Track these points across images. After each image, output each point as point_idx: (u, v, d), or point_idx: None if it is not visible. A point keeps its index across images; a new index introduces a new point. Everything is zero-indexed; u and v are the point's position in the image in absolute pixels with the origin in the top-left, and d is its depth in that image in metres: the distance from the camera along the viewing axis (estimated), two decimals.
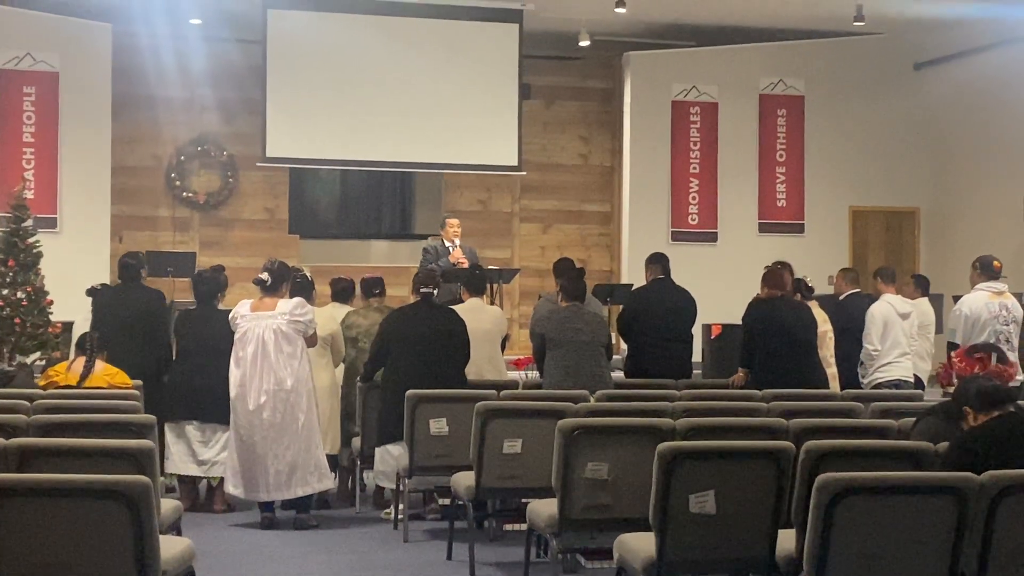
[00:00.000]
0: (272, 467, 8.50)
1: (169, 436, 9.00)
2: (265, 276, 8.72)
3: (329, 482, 8.91)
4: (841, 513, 4.39)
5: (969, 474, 4.45)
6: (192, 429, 9.08)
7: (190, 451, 9.07)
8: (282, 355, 8.53)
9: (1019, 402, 5.47)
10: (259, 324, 8.56)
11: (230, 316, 8.72)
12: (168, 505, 5.98)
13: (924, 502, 4.47)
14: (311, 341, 8.76)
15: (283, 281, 8.83)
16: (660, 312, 10.11)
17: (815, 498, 4.40)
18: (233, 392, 8.57)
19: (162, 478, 7.50)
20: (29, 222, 11.62)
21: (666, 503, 5.25)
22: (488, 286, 11.16)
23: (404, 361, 8.60)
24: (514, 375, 10.84)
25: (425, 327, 8.71)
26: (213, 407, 8.93)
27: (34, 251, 11.54)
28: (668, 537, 5.27)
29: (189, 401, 9.01)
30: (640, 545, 5.43)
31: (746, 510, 5.34)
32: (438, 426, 8.06)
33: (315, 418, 8.71)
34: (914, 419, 6.08)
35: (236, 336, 8.60)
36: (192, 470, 9.08)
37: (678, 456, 5.25)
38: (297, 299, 8.81)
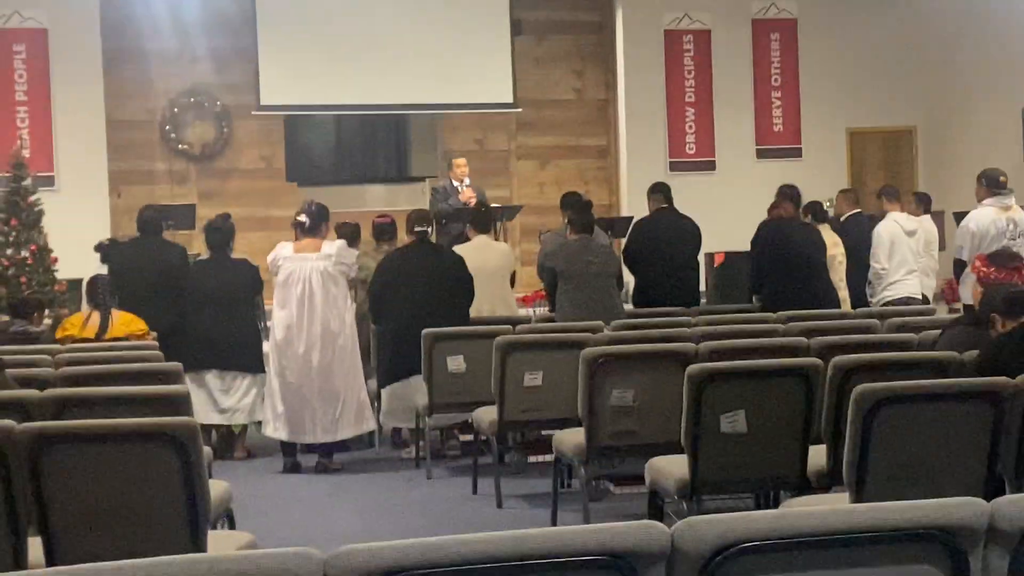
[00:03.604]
0: (320, 409, 8.53)
1: (189, 386, 9.01)
2: (303, 218, 8.73)
3: (372, 423, 8.93)
4: (878, 424, 4.42)
5: (1004, 378, 4.49)
6: (212, 378, 9.09)
7: (211, 400, 9.08)
8: (328, 297, 8.55)
9: None
10: (304, 266, 8.56)
11: (270, 258, 8.70)
12: None
13: (960, 408, 4.51)
14: (348, 285, 8.80)
15: (322, 222, 8.83)
16: (666, 241, 10.12)
17: (852, 410, 4.43)
18: (279, 335, 8.56)
19: None
20: (28, 181, 11.59)
21: (697, 424, 5.30)
22: (494, 224, 11.16)
23: (401, 302, 8.63)
24: (523, 312, 10.87)
25: (421, 267, 8.72)
26: (233, 355, 8.98)
27: (35, 209, 11.52)
28: (700, 458, 5.33)
29: (208, 350, 8.98)
30: (672, 467, 5.49)
31: (776, 428, 5.39)
32: (455, 363, 8.10)
33: (358, 360, 8.75)
34: (935, 332, 6.13)
35: (279, 278, 8.59)
36: (214, 419, 9.10)
37: (707, 378, 5.30)
38: (341, 241, 8.88)
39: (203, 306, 9.11)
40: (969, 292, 9.29)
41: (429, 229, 9.18)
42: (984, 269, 5.84)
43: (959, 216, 10.50)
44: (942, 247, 11.84)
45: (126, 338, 7.98)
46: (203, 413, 9.05)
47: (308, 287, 8.52)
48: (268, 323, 9.12)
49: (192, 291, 9.15)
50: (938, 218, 12.31)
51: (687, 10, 15.02)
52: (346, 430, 8.69)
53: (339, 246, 8.74)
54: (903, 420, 4.45)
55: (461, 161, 12.67)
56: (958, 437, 4.49)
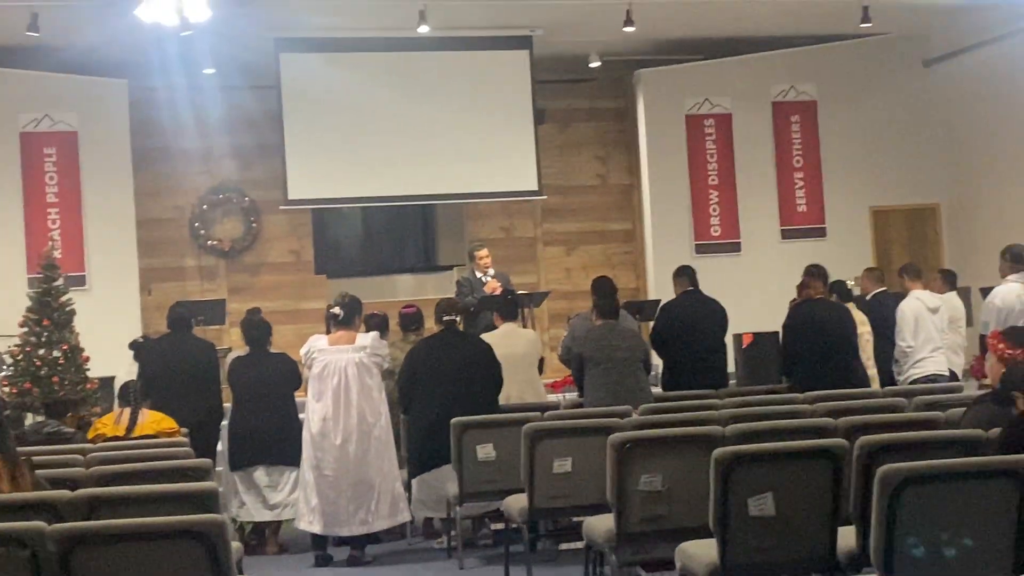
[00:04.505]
0: (355, 501, 8.54)
1: (239, 486, 9.06)
2: (337, 310, 8.81)
3: (407, 514, 8.91)
4: (904, 504, 4.42)
5: None
6: (260, 474, 9.13)
7: (261, 497, 9.11)
8: (364, 389, 8.59)
9: None
10: (340, 358, 8.61)
11: (304, 351, 8.75)
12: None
13: (984, 487, 4.51)
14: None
15: (356, 314, 8.91)
16: (693, 324, 10.17)
17: (877, 491, 4.44)
18: (315, 427, 8.58)
19: None
20: (60, 281, 11.71)
21: (725, 508, 5.31)
22: (520, 311, 11.23)
23: (430, 391, 8.69)
24: (553, 397, 10.89)
25: (449, 356, 8.79)
26: (278, 449, 9.02)
27: (67, 309, 11.62)
28: (729, 541, 5.33)
29: (253, 446, 9.06)
30: (702, 552, 5.48)
31: (805, 510, 5.39)
32: (485, 452, 8.12)
33: (393, 451, 8.77)
34: (962, 409, 6.12)
35: (314, 370, 8.63)
36: (266, 516, 9.14)
37: (734, 460, 5.31)
38: (374, 333, 8.95)
39: (246, 402, 9.18)
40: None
41: (457, 318, 9.25)
42: (999, 345, 5.85)
43: (986, 292, 10.50)
44: (969, 323, 11.82)
45: (156, 436, 8.02)
46: (257, 512, 9.08)
47: (344, 379, 8.56)
48: (301, 415, 9.17)
49: (234, 387, 9.22)
50: (964, 294, 12.30)
51: (707, 95, 15.16)
52: (381, 522, 8.68)
53: (373, 337, 8.81)
54: (928, 500, 4.45)
55: (483, 252, 12.54)
56: (984, 516, 4.48)
